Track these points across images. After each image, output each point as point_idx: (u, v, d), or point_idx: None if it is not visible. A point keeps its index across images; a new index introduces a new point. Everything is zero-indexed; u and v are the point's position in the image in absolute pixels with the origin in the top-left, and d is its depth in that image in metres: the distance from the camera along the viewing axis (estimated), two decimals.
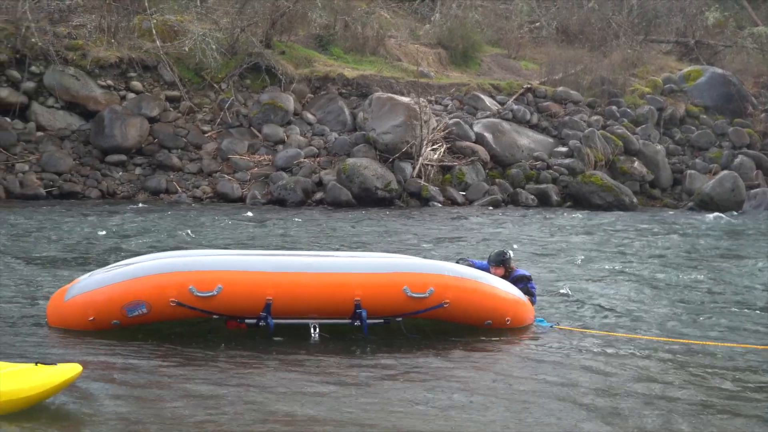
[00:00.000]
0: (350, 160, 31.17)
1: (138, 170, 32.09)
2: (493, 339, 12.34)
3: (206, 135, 33.48)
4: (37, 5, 34.33)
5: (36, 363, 8.97)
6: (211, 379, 10.02)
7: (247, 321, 11.61)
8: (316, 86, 35.87)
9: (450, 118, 34.34)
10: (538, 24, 47.92)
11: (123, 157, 31.94)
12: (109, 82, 33.14)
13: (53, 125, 32.51)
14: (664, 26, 47.61)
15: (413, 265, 12.29)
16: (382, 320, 12.02)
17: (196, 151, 32.84)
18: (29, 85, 32.44)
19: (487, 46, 44.40)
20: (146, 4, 35.61)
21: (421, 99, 33.29)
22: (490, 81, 39.03)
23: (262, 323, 11.55)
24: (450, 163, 32.53)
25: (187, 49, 34.13)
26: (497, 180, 32.92)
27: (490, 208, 30.94)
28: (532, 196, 32.33)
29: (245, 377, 10.20)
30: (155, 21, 34.98)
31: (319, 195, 30.87)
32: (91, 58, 33.00)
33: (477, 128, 34.18)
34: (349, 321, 11.84)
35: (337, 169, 31.28)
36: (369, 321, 11.77)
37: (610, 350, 11.88)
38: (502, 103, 36.51)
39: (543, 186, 32.86)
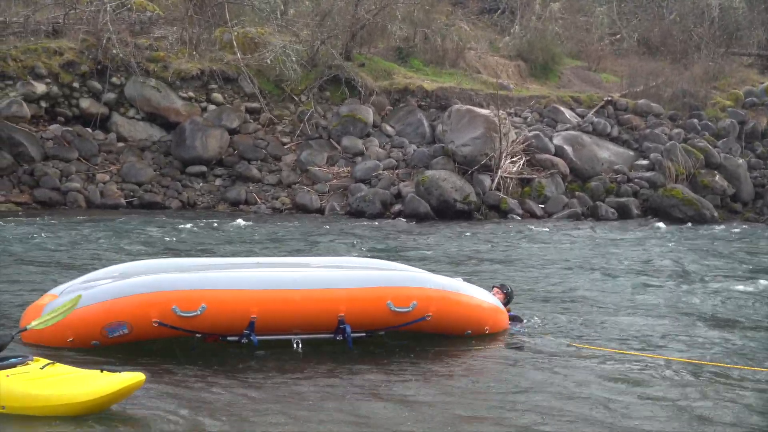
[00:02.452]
0: (429, 173, 31.02)
1: (218, 181, 32.33)
2: (476, 347, 12.31)
3: (286, 147, 33.62)
4: (118, 17, 34.68)
5: (101, 370, 9.09)
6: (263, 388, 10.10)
7: (228, 338, 11.36)
8: (396, 98, 35.86)
9: (529, 131, 34.13)
10: (618, 36, 47.58)
11: (203, 168, 32.20)
12: (190, 93, 33.44)
13: (134, 136, 32.90)
14: (746, 39, 46.94)
15: (397, 279, 12.12)
16: (364, 334, 11.81)
17: (275, 163, 32.98)
18: (110, 96, 32.85)
19: (567, 58, 44.16)
20: (227, 16, 35.90)
21: (501, 111, 33.10)
22: (570, 93, 38.76)
23: (244, 340, 11.30)
24: (529, 176, 32.28)
25: (267, 61, 34.30)
26: (577, 193, 32.60)
27: (570, 221, 30.57)
28: (612, 210, 31.91)
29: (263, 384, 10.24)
30: (236, 33, 35.23)
31: (397, 207, 30.74)
32: (172, 70, 33.32)
33: (557, 141, 33.92)
34: (332, 335, 11.63)
35: (415, 181, 31.13)
36: (352, 335, 11.57)
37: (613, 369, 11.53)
38: (582, 116, 36.22)
39: (623, 199, 32.43)
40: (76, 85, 32.60)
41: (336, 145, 33.65)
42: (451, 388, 10.30)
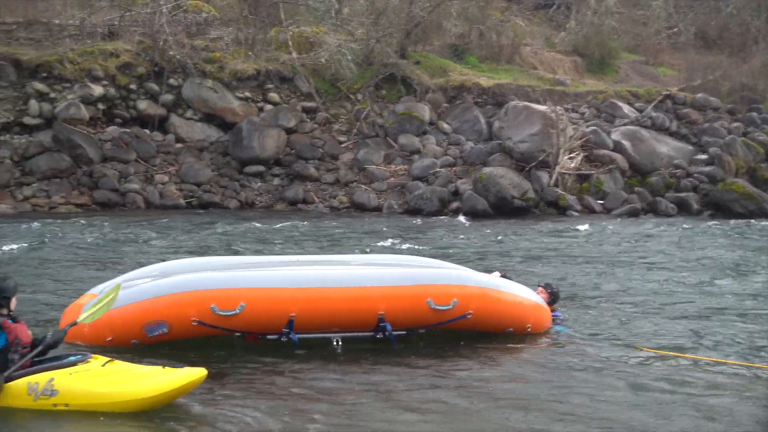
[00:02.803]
0: (486, 170, 30.85)
1: (276, 181, 32.41)
2: (518, 345, 12.19)
3: (342, 145, 33.63)
4: (173, 18, 34.84)
5: (163, 366, 9.21)
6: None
7: (268, 337, 11.35)
8: (452, 96, 35.78)
9: (587, 126, 33.90)
10: (675, 29, 47.11)
11: (261, 168, 32.29)
12: (247, 93, 33.55)
13: (192, 137, 33.04)
14: None
15: (437, 277, 12.04)
16: (404, 332, 11.78)
17: (332, 162, 32.99)
18: (167, 97, 33.04)
19: (623, 52, 43.89)
20: (282, 16, 36.01)
21: (558, 107, 32.88)
22: (627, 88, 38.48)
23: (284, 339, 11.28)
24: (587, 172, 32.04)
25: (323, 60, 34.39)
26: (636, 188, 32.24)
27: (629, 217, 30.25)
28: (672, 205, 31.52)
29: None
30: (291, 33, 35.31)
31: (455, 204, 30.60)
32: (228, 71, 33.45)
33: (615, 136, 33.64)
34: (372, 334, 11.61)
35: (473, 178, 30.97)
36: (392, 333, 11.57)
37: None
38: (640, 111, 35.93)
39: (683, 194, 32.02)
40: (133, 86, 32.81)
41: (393, 143, 33.59)
42: (490, 390, 10.15)
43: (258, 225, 26.29)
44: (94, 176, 30.87)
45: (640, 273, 18.72)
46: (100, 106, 32.36)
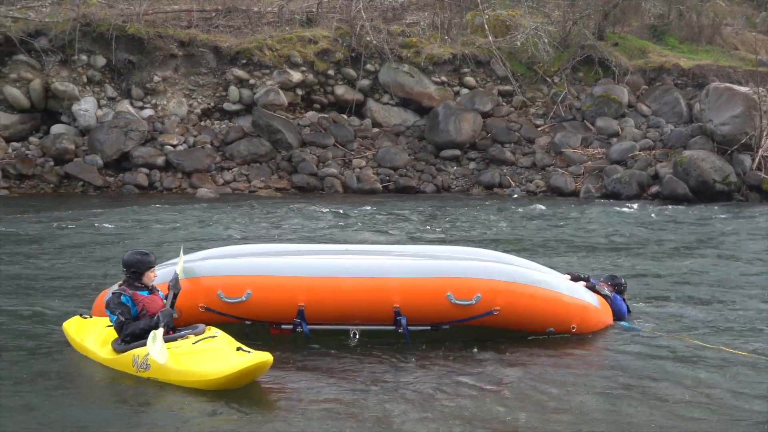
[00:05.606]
0: (687, 153, 30.10)
1: (472, 165, 32.41)
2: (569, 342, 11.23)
3: (539, 129, 33.36)
4: (370, 4, 35.15)
5: (237, 348, 9.33)
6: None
7: (283, 326, 11.02)
8: (651, 77, 35.08)
9: None
10: None
11: (457, 152, 32.34)
12: (443, 78, 33.58)
13: (388, 121, 33.31)
14: None
15: (459, 269, 11.15)
16: (428, 327, 11.08)
17: (528, 145, 32.75)
18: (364, 82, 33.34)
19: None
20: (478, 0, 35.83)
21: (761, 89, 31.85)
22: None
23: (299, 329, 10.92)
24: None
25: (519, 43, 34.18)
26: None
27: None
28: None
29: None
30: (487, 16, 35.17)
31: (654, 188, 29.95)
32: (424, 55, 33.51)
33: None
34: (393, 328, 10.98)
35: (673, 161, 30.26)
36: (413, 328, 10.95)
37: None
38: None
39: None
40: (330, 72, 33.23)
41: (590, 126, 33.15)
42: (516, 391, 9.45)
43: (439, 209, 26.39)
44: (293, 161, 31.44)
45: None
46: (299, 91, 32.98)
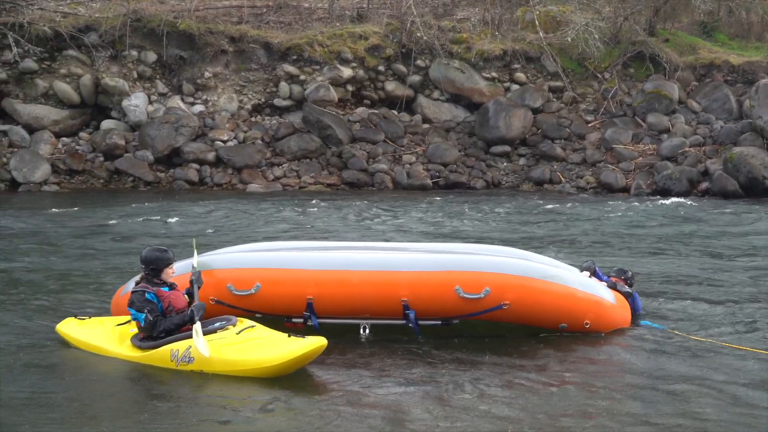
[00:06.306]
0: (737, 149, 29.90)
1: (522, 161, 32.34)
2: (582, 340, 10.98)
3: (589, 125, 33.23)
4: (421, 0, 35.08)
5: (288, 335, 9.55)
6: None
7: (294, 320, 11.01)
8: (701, 74, 34.85)
9: None
10: None
11: (507, 148, 32.27)
12: (493, 73, 33.54)
13: (439, 117, 33.31)
14: None
15: (467, 263, 11.02)
16: (439, 322, 10.99)
17: (579, 141, 32.64)
18: (415, 78, 33.35)
19: None
20: None
21: None
22: None
23: (310, 323, 10.92)
24: None
25: (569, 39, 34.05)
26: None
27: None
28: None
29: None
30: (538, 12, 35.08)
31: (704, 185, 29.75)
32: (475, 51, 33.46)
33: None
34: (403, 322, 10.91)
35: (723, 158, 30.06)
36: (423, 322, 10.88)
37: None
38: None
39: None
40: (381, 68, 33.28)
41: (641, 122, 32.96)
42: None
43: (489, 206, 26.27)
44: (344, 156, 31.50)
45: None
46: (349, 87, 33.04)
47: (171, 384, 9.28)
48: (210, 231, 20.66)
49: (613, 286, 11.83)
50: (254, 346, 9.50)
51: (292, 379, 9.35)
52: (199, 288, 10.29)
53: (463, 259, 11.17)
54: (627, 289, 11.95)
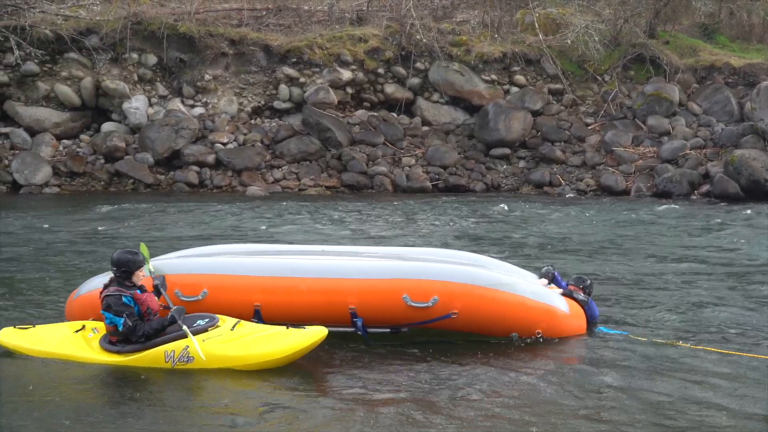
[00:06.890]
0: (738, 152, 29.88)
1: (521, 163, 32.33)
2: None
3: (589, 127, 33.24)
4: (420, 3, 35.21)
5: (287, 326, 9.74)
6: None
7: None
8: (702, 76, 34.84)
9: None
10: None
11: (506, 151, 32.28)
12: (493, 76, 33.57)
13: (438, 120, 33.33)
14: None
15: (415, 271, 10.84)
16: (388, 329, 10.87)
17: (579, 144, 32.63)
18: (414, 81, 33.36)
19: None
20: None
21: None
22: None
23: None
24: None
25: (569, 41, 34.05)
26: None
27: None
28: None
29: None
30: (537, 15, 35.08)
31: (705, 188, 29.74)
32: (474, 54, 33.48)
33: None
34: (352, 329, 10.75)
35: (723, 160, 30.05)
36: (372, 330, 10.74)
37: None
38: None
39: None
40: (380, 71, 33.30)
41: (641, 125, 32.96)
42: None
43: (483, 208, 26.17)
44: (343, 159, 31.56)
45: None
46: (349, 90, 33.09)
47: (163, 387, 9.28)
48: (207, 233, 20.60)
49: (569, 294, 11.62)
50: (257, 341, 9.65)
51: (291, 379, 9.41)
52: (165, 291, 10.34)
53: (412, 266, 11.02)
54: (582, 297, 11.69)
